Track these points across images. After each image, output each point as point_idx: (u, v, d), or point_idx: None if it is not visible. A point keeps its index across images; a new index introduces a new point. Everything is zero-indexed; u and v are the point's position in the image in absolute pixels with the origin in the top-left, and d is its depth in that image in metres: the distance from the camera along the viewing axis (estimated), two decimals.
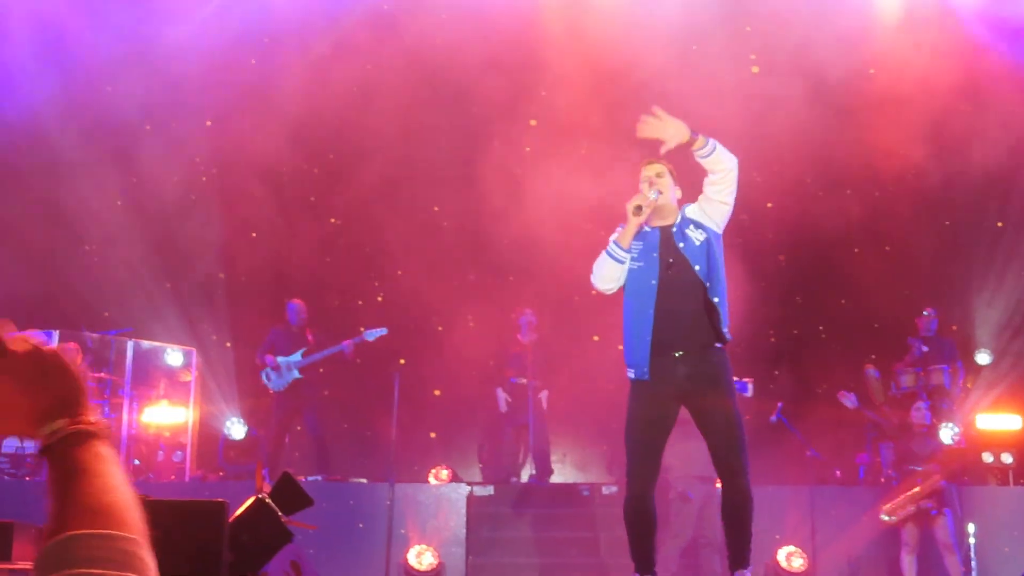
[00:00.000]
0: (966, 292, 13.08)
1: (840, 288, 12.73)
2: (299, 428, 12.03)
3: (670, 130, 5.80)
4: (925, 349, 11.64)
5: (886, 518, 9.84)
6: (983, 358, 12.32)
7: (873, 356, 12.03)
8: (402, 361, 12.04)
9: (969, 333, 12.78)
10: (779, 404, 9.99)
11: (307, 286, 12.49)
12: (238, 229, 12.85)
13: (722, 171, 5.84)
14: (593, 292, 6.11)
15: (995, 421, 11.67)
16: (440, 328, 12.86)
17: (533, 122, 12.67)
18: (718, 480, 8.94)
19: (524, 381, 11.52)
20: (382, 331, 11.42)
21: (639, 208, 5.83)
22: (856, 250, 13.02)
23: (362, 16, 12.51)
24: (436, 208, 13.24)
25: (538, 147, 12.65)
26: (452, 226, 13.07)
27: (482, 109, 12.60)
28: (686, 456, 9.32)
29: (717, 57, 11.95)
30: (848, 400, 9.99)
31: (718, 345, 5.88)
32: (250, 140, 12.23)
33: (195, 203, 12.81)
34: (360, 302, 13.23)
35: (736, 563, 5.85)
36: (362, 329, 11.46)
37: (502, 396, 11.86)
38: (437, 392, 12.87)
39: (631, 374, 5.92)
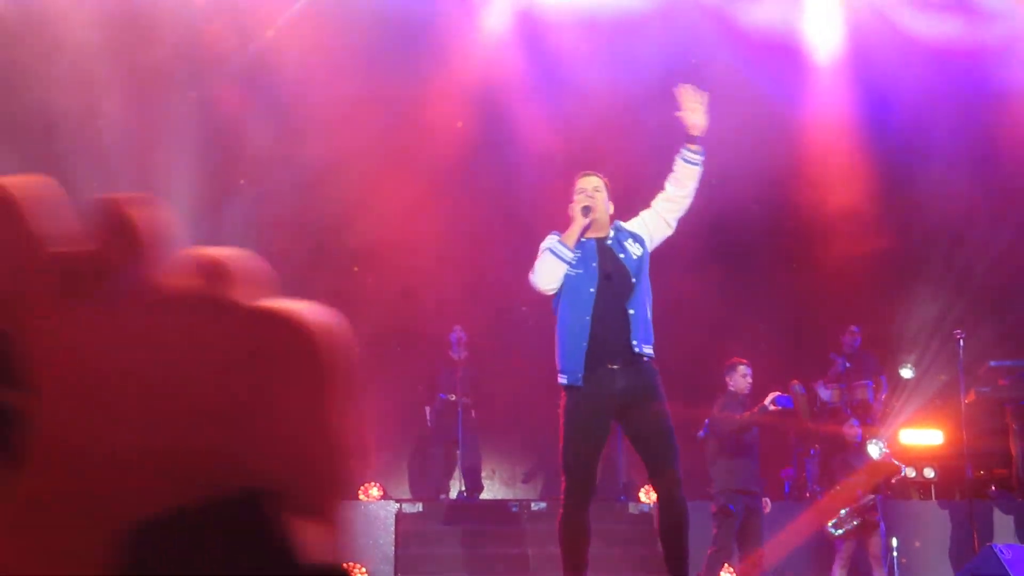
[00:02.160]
0: (889, 307, 13.29)
1: (764, 304, 12.86)
2: None
3: (699, 110, 6.01)
4: (848, 365, 11.82)
5: (833, 531, 9.95)
6: (907, 372, 12.54)
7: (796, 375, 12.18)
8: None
9: (892, 348, 12.97)
10: (707, 420, 10.07)
11: None
12: None
13: (685, 190, 6.00)
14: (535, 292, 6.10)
15: (917, 436, 11.87)
16: (370, 344, 12.78)
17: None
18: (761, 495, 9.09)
19: (453, 398, 11.50)
20: None
21: (587, 209, 5.91)
22: (780, 266, 13.18)
23: None
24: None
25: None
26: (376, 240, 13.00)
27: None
28: (728, 470, 9.49)
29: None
30: (797, 387, 10.11)
31: (648, 358, 5.93)
32: None
33: None
34: None
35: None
36: None
37: (429, 413, 11.85)
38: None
39: (564, 380, 5.90)
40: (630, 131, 11.19)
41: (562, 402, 5.98)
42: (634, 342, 5.83)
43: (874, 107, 12.93)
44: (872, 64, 12.95)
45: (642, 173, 6.19)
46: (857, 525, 9.94)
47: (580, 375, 5.83)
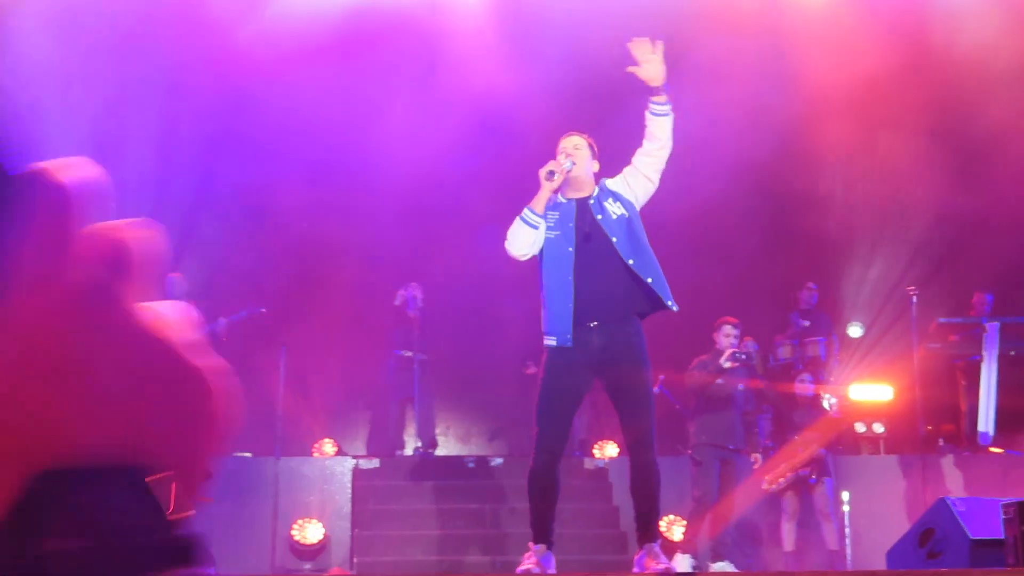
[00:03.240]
0: (839, 265, 13.42)
1: (720, 260, 12.93)
2: None
3: (653, 62, 5.87)
4: (806, 324, 11.94)
5: (768, 487, 10.10)
6: (855, 331, 12.68)
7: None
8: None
9: (841, 306, 13.11)
10: (661, 376, 10.15)
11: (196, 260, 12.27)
12: None
13: (659, 141, 5.92)
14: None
15: (867, 392, 12.02)
16: (326, 302, 12.73)
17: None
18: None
19: (410, 354, 11.49)
20: (260, 309, 11.27)
21: (551, 173, 5.87)
22: (736, 223, 13.23)
23: None
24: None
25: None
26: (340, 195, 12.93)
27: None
28: (699, 424, 9.72)
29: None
30: (751, 344, 10.21)
31: (635, 318, 5.92)
32: None
33: None
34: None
35: (646, 536, 5.89)
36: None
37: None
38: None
39: (552, 342, 5.87)
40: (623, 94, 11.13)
41: (543, 358, 5.98)
42: (614, 303, 5.82)
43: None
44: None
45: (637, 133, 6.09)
46: (792, 480, 10.09)
47: (569, 336, 5.82)
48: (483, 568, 9.75)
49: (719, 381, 9.70)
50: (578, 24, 12.20)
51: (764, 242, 13.35)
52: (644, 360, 5.92)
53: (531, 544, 5.92)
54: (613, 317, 5.85)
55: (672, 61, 5.97)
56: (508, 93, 12.11)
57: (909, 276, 12.59)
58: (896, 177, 13.10)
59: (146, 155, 12.01)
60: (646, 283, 5.85)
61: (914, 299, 10.04)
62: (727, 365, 9.58)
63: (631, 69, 5.91)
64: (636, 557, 5.94)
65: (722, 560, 9.22)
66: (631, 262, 5.85)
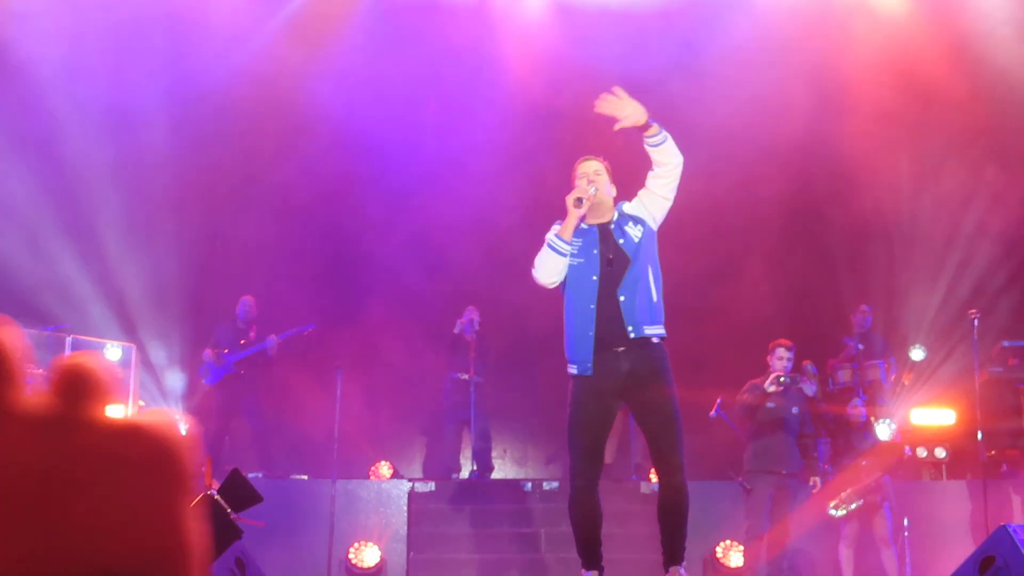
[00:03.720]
0: (900, 288, 13.27)
1: (773, 285, 12.85)
2: (238, 425, 11.92)
3: (628, 109, 5.82)
4: (861, 347, 11.81)
5: (835, 512, 9.98)
6: (917, 354, 12.52)
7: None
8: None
9: (903, 330, 12.96)
10: (719, 399, 10.09)
11: (258, 282, 12.41)
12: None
13: (668, 165, 5.90)
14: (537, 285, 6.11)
15: (929, 416, 11.86)
16: (383, 323, 12.82)
17: None
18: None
19: (466, 377, 11.53)
20: (311, 326, 11.38)
21: (579, 200, 5.87)
22: (794, 245, 13.16)
23: None
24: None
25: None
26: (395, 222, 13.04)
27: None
28: (752, 451, 9.67)
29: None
30: (808, 386, 10.10)
31: (657, 339, 5.93)
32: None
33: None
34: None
35: (672, 559, 5.88)
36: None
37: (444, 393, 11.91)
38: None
39: (574, 370, 5.91)
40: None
41: (570, 386, 5.99)
42: (629, 327, 5.81)
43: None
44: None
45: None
46: (859, 506, 9.96)
47: (589, 364, 5.83)
48: None
49: (770, 405, 9.62)
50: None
51: (823, 264, 13.26)
52: (669, 380, 5.92)
53: (583, 572, 5.92)
54: (637, 340, 5.84)
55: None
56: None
57: (972, 299, 12.43)
58: (959, 199, 12.94)
59: (197, 166, 12.21)
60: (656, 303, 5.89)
61: (976, 322, 9.89)
62: (771, 389, 9.53)
63: (617, 128, 5.87)
64: None
65: None
66: (650, 283, 5.90)
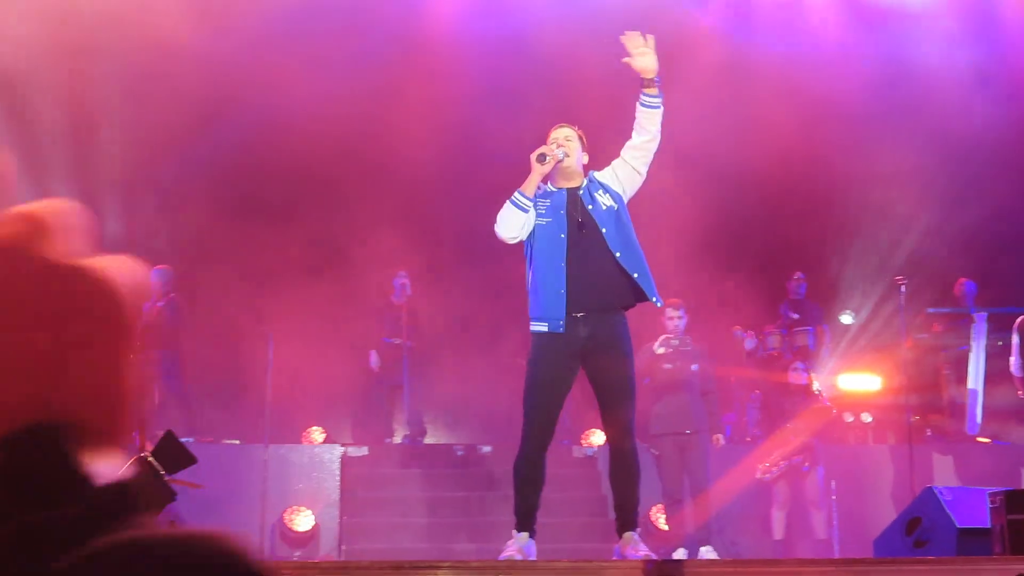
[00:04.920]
0: (829, 254, 13.44)
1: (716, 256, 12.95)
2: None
3: (647, 57, 5.86)
4: (795, 316, 11.94)
5: (762, 475, 10.10)
6: (846, 319, 12.70)
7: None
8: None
9: (833, 295, 13.13)
10: None
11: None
12: None
13: (649, 134, 5.92)
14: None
15: (856, 381, 12.05)
16: (314, 289, 12.73)
17: None
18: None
19: (398, 342, 11.49)
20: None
21: (543, 156, 5.87)
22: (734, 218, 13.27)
23: None
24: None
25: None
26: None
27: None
28: (655, 415, 9.46)
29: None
30: (749, 340, 10.11)
31: (619, 307, 5.94)
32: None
33: None
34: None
35: (625, 525, 5.93)
36: None
37: (375, 357, 11.83)
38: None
39: (542, 327, 5.87)
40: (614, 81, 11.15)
41: (532, 345, 5.98)
42: (602, 294, 5.83)
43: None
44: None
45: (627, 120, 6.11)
46: (785, 468, 10.09)
47: (561, 321, 5.82)
48: (471, 555, 9.75)
49: (667, 366, 9.49)
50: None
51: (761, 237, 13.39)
52: (628, 351, 5.95)
53: (514, 532, 5.93)
54: (600, 307, 5.87)
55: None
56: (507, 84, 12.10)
57: (898, 266, 12.63)
58: (885, 172, 13.11)
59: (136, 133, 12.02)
60: (632, 277, 5.87)
61: (903, 289, 10.03)
62: (660, 351, 9.50)
63: (625, 60, 5.92)
64: (616, 546, 5.97)
65: (705, 546, 9.19)
66: (618, 255, 5.86)
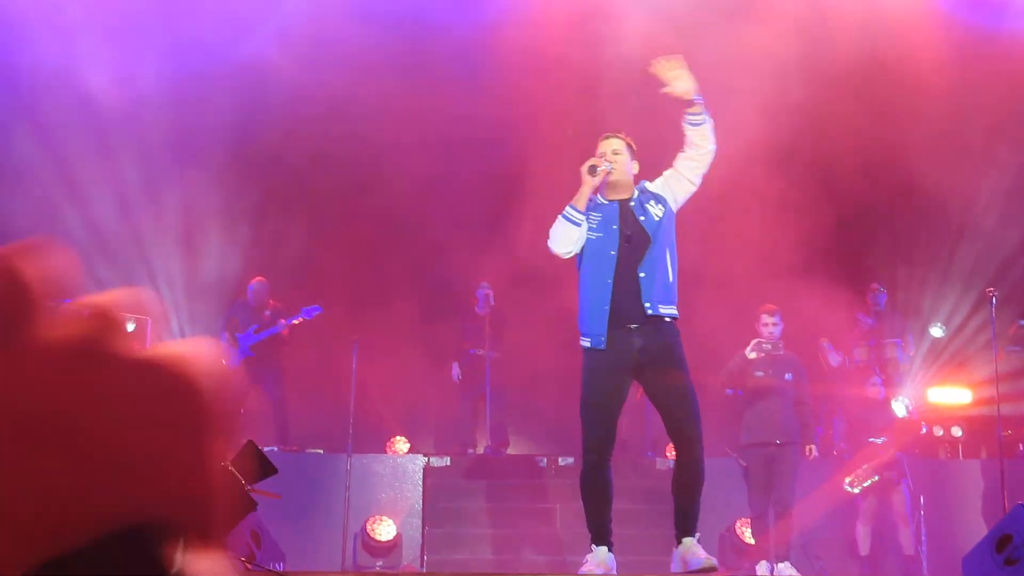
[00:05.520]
0: (919, 267, 13.21)
1: (788, 262, 12.79)
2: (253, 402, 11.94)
3: (683, 80, 5.90)
4: (871, 322, 11.72)
5: (850, 488, 9.95)
6: (936, 331, 12.47)
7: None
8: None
9: (922, 307, 12.90)
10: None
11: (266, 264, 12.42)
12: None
13: (702, 148, 5.96)
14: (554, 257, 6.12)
15: (946, 395, 11.83)
16: (399, 299, 12.83)
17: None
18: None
19: (482, 352, 11.55)
20: (317, 309, 11.38)
21: (593, 168, 5.93)
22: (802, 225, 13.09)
23: None
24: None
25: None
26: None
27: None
28: (743, 426, 9.43)
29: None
30: (832, 356, 9.95)
31: (670, 319, 5.94)
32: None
33: None
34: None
35: (684, 531, 5.90)
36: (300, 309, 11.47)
37: (456, 369, 11.91)
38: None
39: (587, 343, 5.95)
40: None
41: (582, 360, 6.01)
42: (647, 304, 5.85)
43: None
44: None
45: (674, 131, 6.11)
46: (875, 482, 9.92)
47: (603, 338, 5.87)
48: (552, 567, 9.75)
49: (758, 373, 9.39)
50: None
51: (839, 244, 13.19)
52: (682, 359, 5.96)
53: (592, 546, 5.94)
54: (651, 318, 5.86)
55: None
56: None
57: (990, 276, 12.37)
58: (972, 178, 12.86)
59: (214, 149, 12.20)
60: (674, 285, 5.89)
61: (994, 300, 9.81)
62: (752, 356, 9.37)
63: (664, 90, 5.95)
64: (675, 550, 5.95)
65: (784, 561, 9.06)
66: (668, 263, 5.93)
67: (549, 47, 12.16)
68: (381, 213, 12.91)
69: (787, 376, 9.46)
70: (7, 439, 0.80)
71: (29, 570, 0.78)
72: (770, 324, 9.46)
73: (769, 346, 9.37)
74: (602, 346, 5.87)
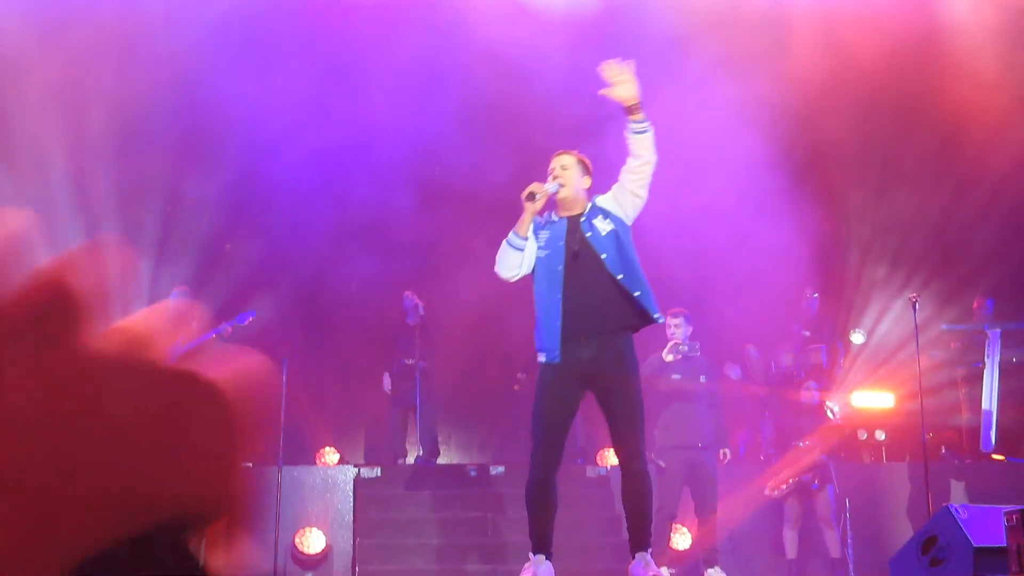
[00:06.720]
0: (843, 274, 13.40)
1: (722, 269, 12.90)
2: None
3: (626, 86, 5.88)
4: (807, 333, 11.89)
5: (771, 493, 10.06)
6: (858, 338, 12.67)
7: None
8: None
9: (845, 314, 13.09)
10: None
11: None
12: None
13: (642, 158, 5.97)
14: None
15: (869, 399, 12.00)
16: (327, 311, 12.75)
17: None
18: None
19: (411, 362, 11.49)
20: (251, 314, 11.26)
21: (532, 195, 5.94)
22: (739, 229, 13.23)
23: None
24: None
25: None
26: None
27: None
28: (663, 426, 9.39)
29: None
30: (733, 371, 10.11)
31: (624, 330, 5.98)
32: None
33: None
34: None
35: (638, 545, 5.95)
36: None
37: (387, 379, 11.84)
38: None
39: (541, 358, 6.03)
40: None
41: (538, 375, 6.08)
42: (596, 318, 5.91)
43: None
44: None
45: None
46: (794, 486, 10.03)
47: (556, 353, 5.93)
48: None
49: (675, 376, 9.43)
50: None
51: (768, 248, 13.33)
52: (634, 371, 6.03)
53: (530, 554, 5.96)
54: (603, 331, 5.94)
55: None
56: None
57: (912, 282, 12.59)
58: (898, 184, 13.08)
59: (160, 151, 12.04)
60: (635, 297, 5.89)
61: (916, 306, 9.99)
62: (668, 358, 9.42)
63: (603, 92, 5.95)
64: (630, 567, 5.99)
65: (713, 567, 9.12)
66: (620, 277, 5.93)
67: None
68: (305, 217, 12.81)
69: (702, 379, 9.56)
70: (58, 440, 0.85)
71: (71, 567, 0.82)
72: (674, 326, 9.49)
73: (685, 347, 9.45)
74: (556, 360, 5.93)
